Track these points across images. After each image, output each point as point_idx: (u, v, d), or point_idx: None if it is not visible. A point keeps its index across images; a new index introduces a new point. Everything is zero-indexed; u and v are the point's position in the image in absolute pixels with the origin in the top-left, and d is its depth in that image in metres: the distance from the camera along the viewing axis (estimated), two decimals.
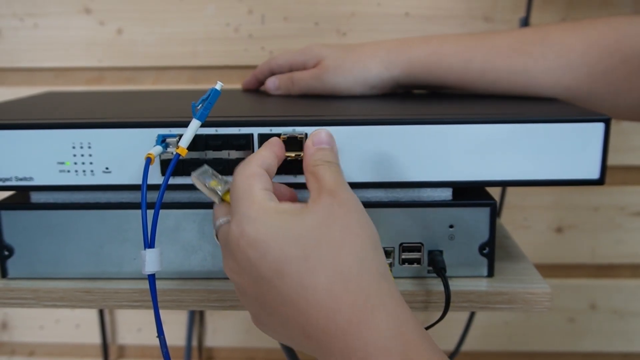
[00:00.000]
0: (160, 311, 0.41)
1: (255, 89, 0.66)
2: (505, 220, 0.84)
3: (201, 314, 0.92)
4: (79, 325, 0.94)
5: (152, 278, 0.38)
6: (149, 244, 0.38)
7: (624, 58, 0.51)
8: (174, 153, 0.41)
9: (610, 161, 0.44)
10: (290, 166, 0.43)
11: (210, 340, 0.94)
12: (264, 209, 0.35)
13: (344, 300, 0.33)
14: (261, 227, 0.34)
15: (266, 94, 0.62)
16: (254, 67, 0.65)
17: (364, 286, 0.34)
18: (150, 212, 0.38)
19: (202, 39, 0.80)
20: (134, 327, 0.93)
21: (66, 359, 0.96)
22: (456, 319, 0.85)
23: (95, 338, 0.94)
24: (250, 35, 0.80)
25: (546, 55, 0.52)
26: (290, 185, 0.43)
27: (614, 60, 0.51)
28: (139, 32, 0.80)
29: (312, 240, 0.34)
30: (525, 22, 0.74)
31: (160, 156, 0.44)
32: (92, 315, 0.93)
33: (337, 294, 0.33)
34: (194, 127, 0.39)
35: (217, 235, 0.39)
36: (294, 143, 0.43)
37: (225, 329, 0.93)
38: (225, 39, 0.80)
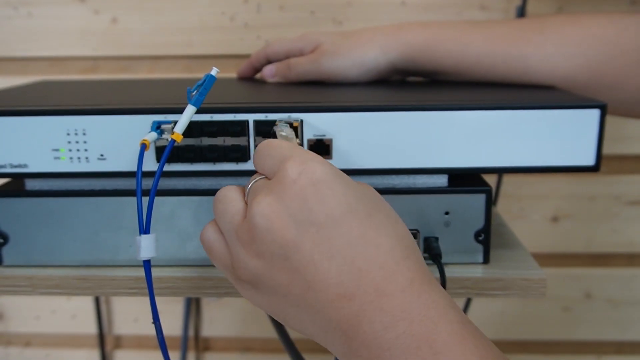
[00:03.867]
0: (156, 299, 0.40)
1: (251, 77, 0.66)
2: (501, 210, 0.84)
3: (197, 304, 0.92)
4: (75, 316, 0.94)
5: (147, 264, 0.38)
6: (144, 229, 0.38)
7: (622, 50, 0.51)
8: (169, 139, 0.41)
9: (606, 150, 0.44)
10: None
11: (207, 330, 0.94)
12: (322, 160, 0.34)
13: (404, 263, 0.33)
14: (327, 169, 0.33)
15: (262, 82, 0.62)
16: (249, 56, 0.64)
17: (417, 257, 0.34)
18: (145, 198, 0.38)
19: (197, 28, 0.80)
20: (131, 317, 0.93)
21: (62, 350, 0.96)
22: None
23: (92, 328, 0.94)
24: (246, 24, 0.79)
25: (544, 44, 0.52)
26: None
27: (612, 52, 0.51)
28: (133, 21, 0.80)
29: (372, 203, 0.34)
30: (521, 11, 0.74)
31: (155, 143, 0.44)
32: (88, 305, 0.93)
33: (398, 256, 0.33)
34: (189, 113, 0.39)
35: (248, 191, 0.36)
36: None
37: (222, 318, 0.93)
38: (221, 28, 0.80)
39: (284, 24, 0.79)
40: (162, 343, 0.38)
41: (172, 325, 0.92)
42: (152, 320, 0.39)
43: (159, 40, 0.80)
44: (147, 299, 0.39)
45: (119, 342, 0.96)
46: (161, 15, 0.79)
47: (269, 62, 0.62)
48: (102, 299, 0.92)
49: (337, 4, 0.78)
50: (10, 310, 0.95)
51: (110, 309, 0.94)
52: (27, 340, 0.97)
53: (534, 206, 0.86)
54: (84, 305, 0.93)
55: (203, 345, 0.95)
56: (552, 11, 0.77)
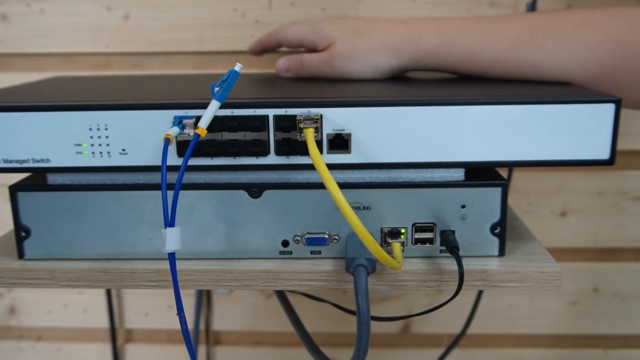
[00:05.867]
0: (173, 293, 0.41)
1: (259, 54, 0.69)
2: (510, 204, 0.85)
3: (208, 297, 0.93)
4: (86, 310, 0.95)
5: (172, 256, 0.39)
6: (170, 222, 0.39)
7: (636, 52, 0.51)
8: (191, 134, 0.42)
9: None
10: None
11: (218, 324, 0.95)
12: None
13: None
14: None
15: (279, 77, 0.63)
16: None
17: None
18: (170, 192, 0.39)
19: (209, 25, 0.80)
20: (142, 311, 0.94)
21: (74, 344, 0.97)
22: (462, 302, 0.86)
23: (103, 322, 0.95)
24: (257, 20, 0.80)
25: (558, 51, 0.52)
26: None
27: (626, 54, 0.51)
28: (146, 17, 0.80)
29: None
30: (532, 7, 0.74)
31: (176, 137, 0.44)
32: (100, 299, 0.93)
33: None
34: (214, 108, 0.40)
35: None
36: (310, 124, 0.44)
37: (233, 312, 0.94)
38: (232, 25, 0.80)
39: (295, 20, 0.79)
40: (186, 334, 0.39)
41: None
42: (176, 312, 0.39)
43: (170, 36, 0.81)
44: (158, 293, 0.40)
45: (130, 336, 0.96)
46: (173, 12, 0.80)
47: (279, 45, 0.65)
48: (114, 293, 0.93)
49: (347, 0, 0.79)
50: (22, 305, 0.95)
51: (121, 303, 0.94)
52: (39, 334, 0.97)
53: (542, 201, 0.86)
54: (96, 299, 0.94)
55: (214, 339, 0.96)
56: (563, 6, 0.77)
